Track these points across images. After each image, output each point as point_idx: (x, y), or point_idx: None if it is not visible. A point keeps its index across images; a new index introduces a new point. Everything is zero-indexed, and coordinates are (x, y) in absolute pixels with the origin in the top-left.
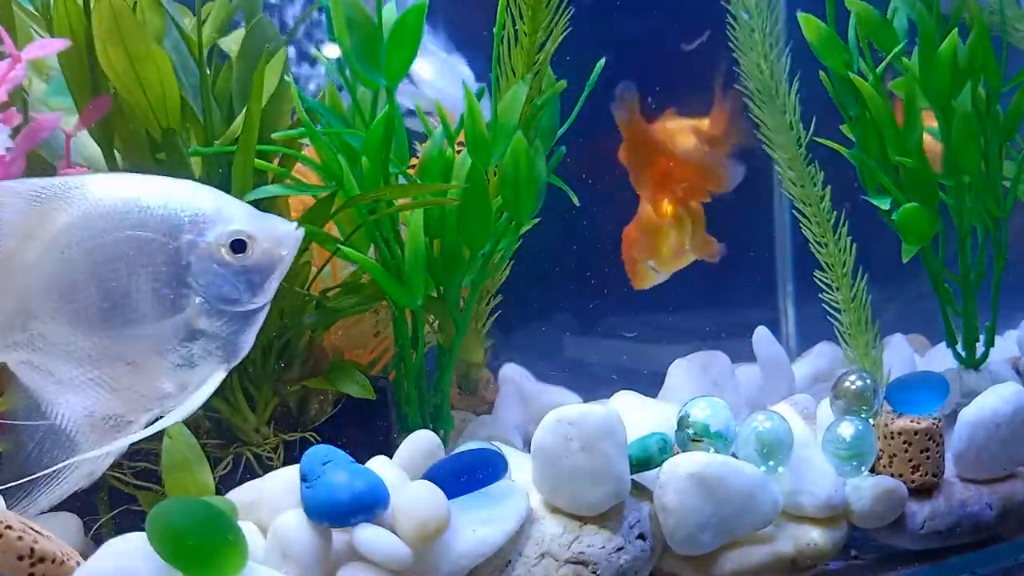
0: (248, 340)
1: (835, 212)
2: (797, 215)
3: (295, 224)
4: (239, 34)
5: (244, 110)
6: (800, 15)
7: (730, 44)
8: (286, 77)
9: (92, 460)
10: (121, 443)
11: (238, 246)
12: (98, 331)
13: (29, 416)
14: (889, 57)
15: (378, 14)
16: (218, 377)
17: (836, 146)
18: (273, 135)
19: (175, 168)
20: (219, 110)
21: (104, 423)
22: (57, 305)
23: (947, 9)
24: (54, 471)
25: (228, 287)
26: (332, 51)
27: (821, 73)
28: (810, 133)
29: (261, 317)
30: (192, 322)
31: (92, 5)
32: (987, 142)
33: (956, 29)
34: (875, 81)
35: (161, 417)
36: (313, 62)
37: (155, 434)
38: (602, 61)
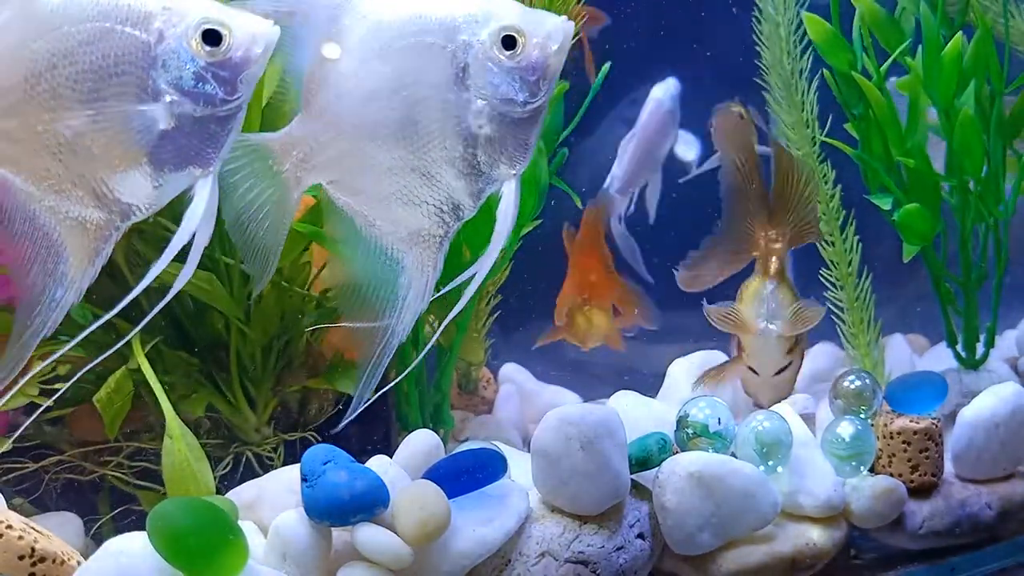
0: (532, 143)
1: (843, 211)
2: None
3: (563, 17)
4: None
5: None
6: (805, 14)
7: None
8: (287, 78)
9: (419, 280)
10: (437, 259)
11: (509, 43)
12: (392, 142)
13: (349, 239)
14: (893, 56)
15: None
16: (511, 185)
17: (842, 145)
18: None
19: None
20: None
21: (414, 239)
22: (357, 120)
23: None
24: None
25: (505, 86)
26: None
27: (825, 71)
28: (826, 130)
29: (541, 119)
30: (475, 126)
31: None
32: (990, 143)
33: (961, 32)
34: (879, 80)
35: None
36: None
37: (154, 433)
38: (607, 65)
